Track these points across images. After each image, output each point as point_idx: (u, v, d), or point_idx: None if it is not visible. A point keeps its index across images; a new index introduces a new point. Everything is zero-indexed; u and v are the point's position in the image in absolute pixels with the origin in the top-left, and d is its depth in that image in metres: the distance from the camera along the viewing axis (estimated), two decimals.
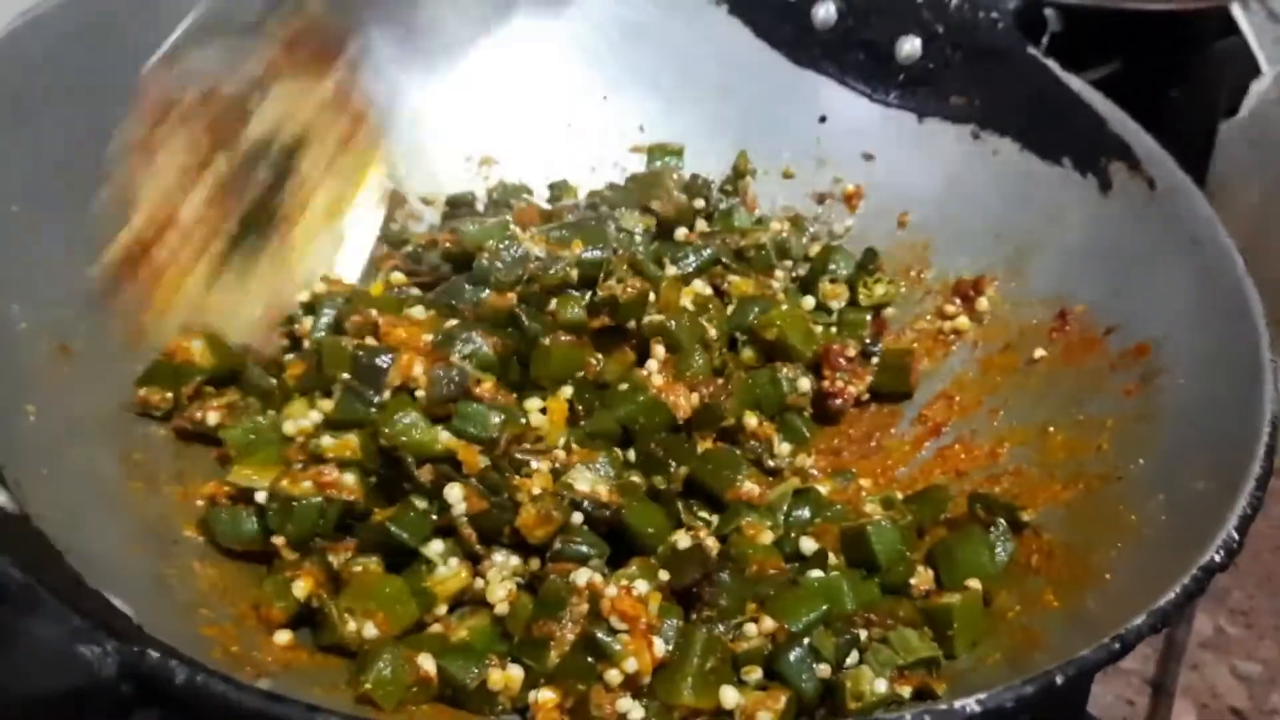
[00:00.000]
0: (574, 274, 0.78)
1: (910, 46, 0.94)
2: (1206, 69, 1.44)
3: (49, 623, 0.43)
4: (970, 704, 0.47)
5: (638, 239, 0.86)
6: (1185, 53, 1.44)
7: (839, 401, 0.85)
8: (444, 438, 0.68)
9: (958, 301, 0.90)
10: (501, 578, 0.66)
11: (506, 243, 0.79)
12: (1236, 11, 1.41)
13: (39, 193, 0.72)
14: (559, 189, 0.98)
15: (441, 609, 0.66)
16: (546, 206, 0.92)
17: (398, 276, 0.85)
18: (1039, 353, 0.83)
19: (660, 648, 0.62)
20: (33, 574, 0.46)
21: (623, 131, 1.02)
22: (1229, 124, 1.21)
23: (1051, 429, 0.78)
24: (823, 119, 0.99)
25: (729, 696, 0.60)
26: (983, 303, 0.89)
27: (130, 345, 0.75)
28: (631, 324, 0.78)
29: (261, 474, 0.69)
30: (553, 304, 0.78)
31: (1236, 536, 0.56)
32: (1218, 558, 0.55)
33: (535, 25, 0.99)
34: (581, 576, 0.64)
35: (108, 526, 0.64)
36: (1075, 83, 0.88)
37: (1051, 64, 0.89)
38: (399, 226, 0.94)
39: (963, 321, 0.89)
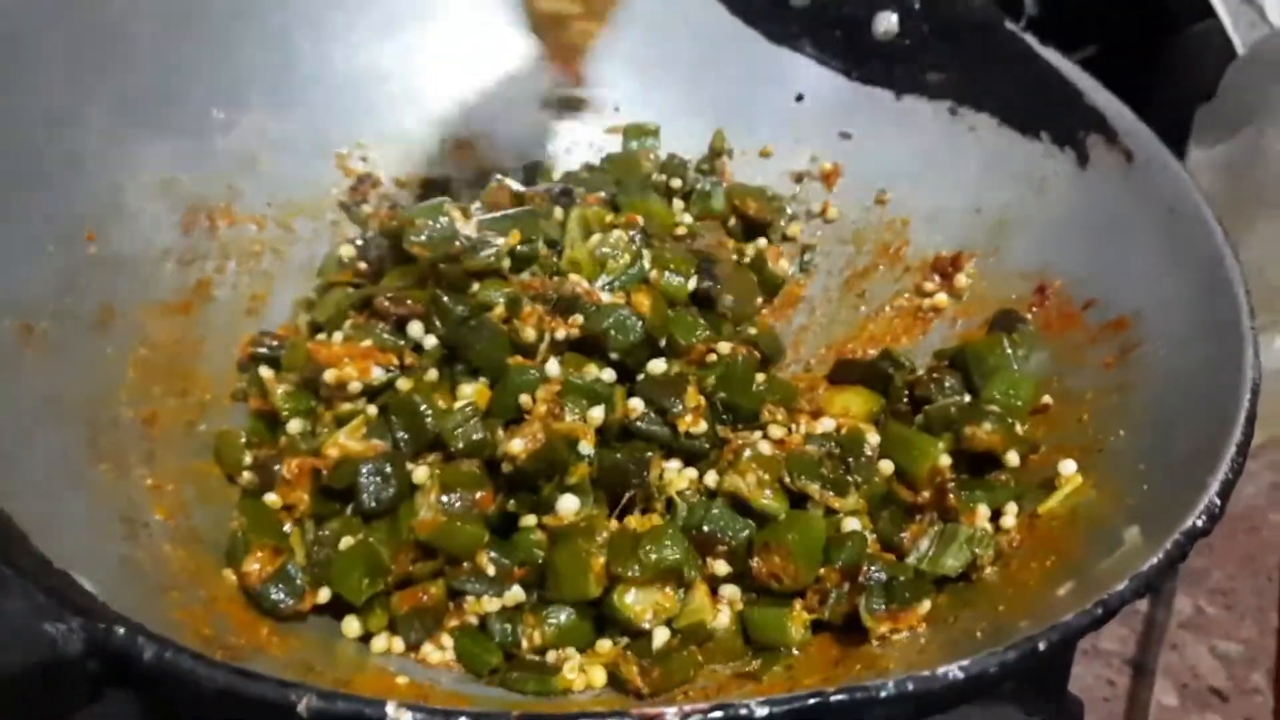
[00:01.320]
0: (504, 264, 0.78)
1: (887, 23, 0.94)
2: (1182, 53, 1.44)
3: (13, 599, 0.42)
4: (953, 670, 0.47)
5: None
6: (1161, 37, 1.45)
7: None
8: None
9: (936, 278, 0.90)
10: None
11: (437, 219, 0.78)
12: None
13: (5, 173, 0.70)
14: (532, 171, 0.97)
15: None
16: (519, 188, 0.91)
17: (347, 249, 0.86)
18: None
19: None
20: None
21: (597, 111, 1.01)
22: (1205, 107, 1.21)
23: None
24: (799, 97, 0.99)
25: None
26: (961, 279, 0.89)
27: (98, 325, 0.74)
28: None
29: None
30: (474, 287, 0.77)
31: (1219, 502, 0.56)
32: (1200, 523, 0.55)
33: (512, 6, 0.99)
34: None
35: (75, 509, 0.63)
36: (1052, 56, 0.87)
37: (1029, 38, 0.89)
38: (371, 208, 0.93)
39: (941, 299, 0.89)
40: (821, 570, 0.68)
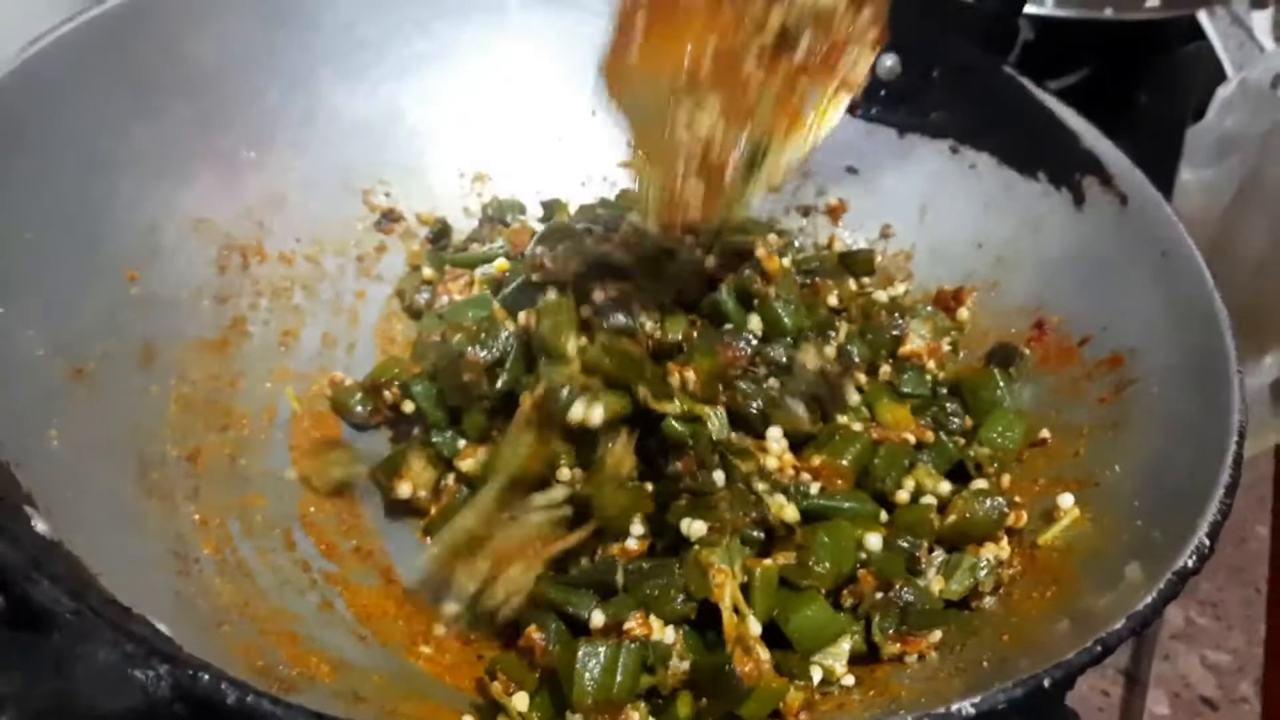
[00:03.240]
0: None
1: (890, 63, 0.96)
2: (1173, 74, 1.48)
3: (104, 648, 0.45)
4: (966, 706, 0.51)
5: None
6: (1152, 58, 1.48)
7: None
8: None
9: (941, 311, 0.93)
10: None
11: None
12: (1202, 17, 1.44)
13: (51, 219, 0.73)
14: (551, 208, 1.00)
15: None
16: (538, 227, 0.94)
17: None
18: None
19: None
20: (80, 600, 0.49)
21: (612, 145, 1.03)
22: (1196, 128, 1.23)
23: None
24: None
25: None
26: (963, 312, 0.92)
27: (141, 364, 0.77)
28: None
29: None
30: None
31: (1208, 542, 0.59)
32: (1191, 563, 0.58)
33: (528, 43, 1.02)
34: None
35: (131, 547, 0.66)
36: (1049, 100, 0.91)
37: (1026, 82, 0.92)
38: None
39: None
40: (860, 571, 0.71)
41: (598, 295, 0.75)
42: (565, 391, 0.71)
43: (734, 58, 0.74)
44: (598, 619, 0.65)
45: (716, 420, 0.72)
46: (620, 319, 0.74)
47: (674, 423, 0.72)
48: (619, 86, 0.75)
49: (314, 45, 0.93)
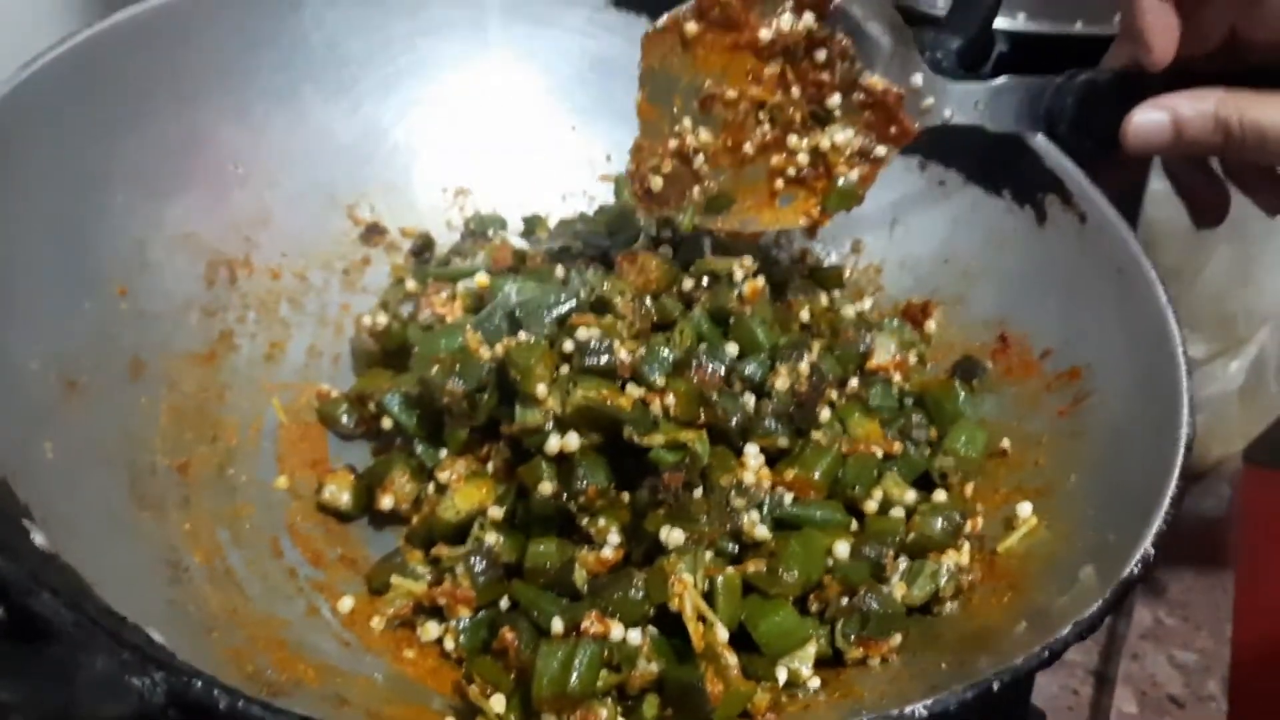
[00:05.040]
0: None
1: None
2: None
3: (101, 656, 0.48)
4: (918, 709, 0.54)
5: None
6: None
7: None
8: None
9: (908, 324, 0.95)
10: None
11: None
12: None
13: (42, 235, 0.75)
14: (532, 223, 1.02)
15: None
16: (521, 245, 0.97)
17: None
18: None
19: None
20: (78, 611, 0.51)
21: (591, 160, 1.07)
22: None
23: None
24: None
25: None
26: (931, 325, 0.95)
27: (132, 377, 0.79)
28: None
29: None
30: None
31: (1153, 551, 0.62)
32: (1135, 571, 0.61)
33: (508, 60, 1.04)
34: None
35: (124, 557, 0.68)
36: None
37: None
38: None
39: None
40: (825, 578, 0.74)
41: (581, 333, 0.77)
42: (541, 430, 0.74)
43: (751, 116, 0.84)
44: (557, 626, 0.68)
45: (702, 446, 0.74)
46: (600, 360, 0.76)
47: (662, 452, 0.73)
48: (653, 58, 0.83)
49: (299, 63, 0.95)
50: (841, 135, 0.84)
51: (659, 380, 0.76)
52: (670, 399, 0.75)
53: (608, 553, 0.73)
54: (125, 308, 0.81)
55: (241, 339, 0.89)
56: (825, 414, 0.81)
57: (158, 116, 0.86)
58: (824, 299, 0.94)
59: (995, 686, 0.55)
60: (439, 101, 1.03)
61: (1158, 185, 1.24)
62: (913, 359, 0.91)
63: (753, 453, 0.77)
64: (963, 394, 0.86)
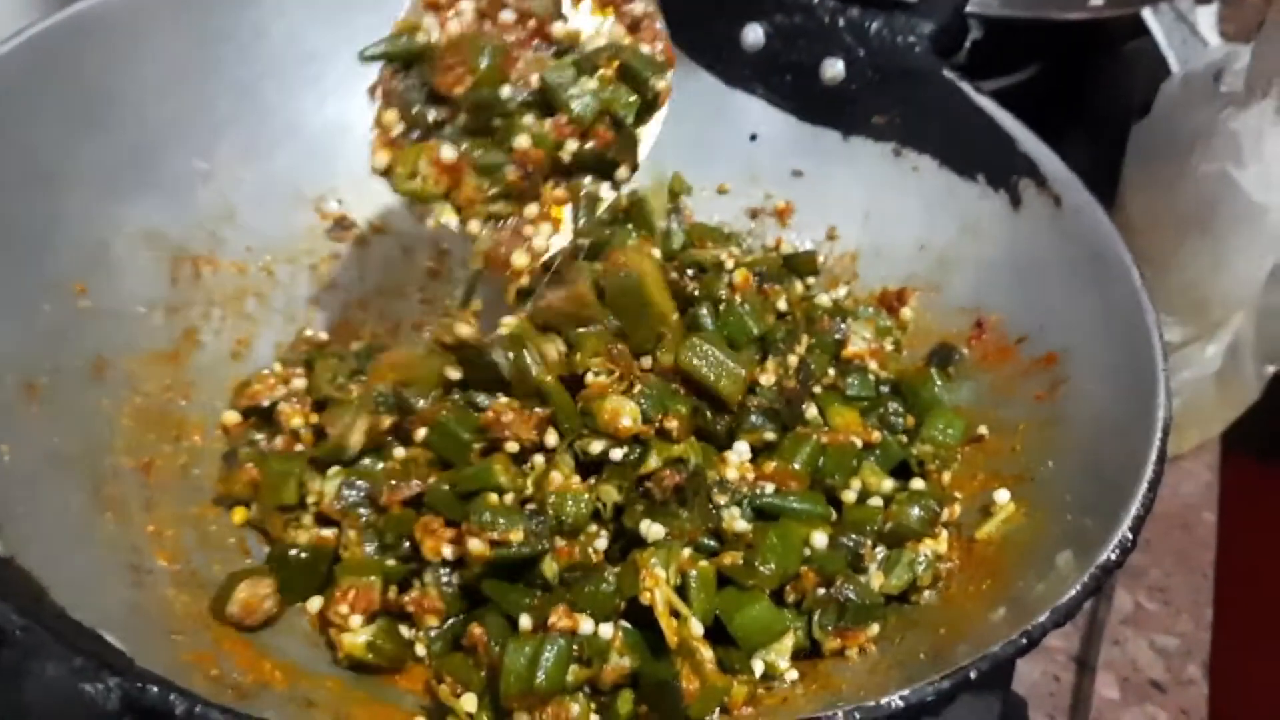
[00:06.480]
0: None
1: (834, 69, 0.98)
2: (1118, 70, 1.50)
3: (53, 663, 0.46)
4: (895, 699, 0.53)
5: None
6: (1098, 54, 1.51)
7: None
8: None
9: (884, 311, 0.95)
10: None
11: None
12: (1146, 13, 1.47)
13: None
14: None
15: None
16: None
17: None
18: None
19: None
20: (29, 616, 0.50)
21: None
22: (1140, 124, 1.26)
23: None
24: (754, 137, 1.04)
25: None
26: (906, 312, 0.94)
27: (93, 377, 0.78)
28: None
29: None
30: None
31: (1131, 536, 0.61)
32: (1114, 556, 0.60)
33: None
34: None
35: (85, 559, 0.67)
36: (988, 104, 0.92)
37: (965, 86, 0.93)
38: None
39: None
40: (802, 569, 0.73)
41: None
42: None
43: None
44: (525, 622, 0.67)
45: (695, 457, 0.74)
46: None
47: (662, 472, 0.73)
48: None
49: (261, 57, 0.93)
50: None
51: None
52: (674, 423, 0.75)
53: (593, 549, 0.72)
54: (85, 306, 0.79)
55: (206, 336, 0.88)
56: (811, 411, 0.81)
57: (117, 113, 0.84)
58: (799, 286, 0.93)
59: (972, 675, 0.54)
60: None
61: (1132, 173, 1.25)
62: (889, 346, 0.90)
63: (740, 449, 0.77)
64: (939, 381, 0.85)
